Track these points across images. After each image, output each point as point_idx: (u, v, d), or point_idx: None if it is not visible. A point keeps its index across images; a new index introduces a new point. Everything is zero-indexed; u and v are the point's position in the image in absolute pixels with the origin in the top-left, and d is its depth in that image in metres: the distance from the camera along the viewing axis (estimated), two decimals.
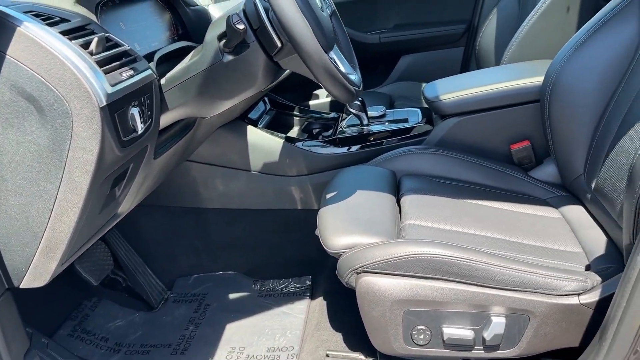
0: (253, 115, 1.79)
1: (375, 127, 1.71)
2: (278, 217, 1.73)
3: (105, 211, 1.14)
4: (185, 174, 1.70)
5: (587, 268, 1.13)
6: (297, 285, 1.72)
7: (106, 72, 0.95)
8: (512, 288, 1.04)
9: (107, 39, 1.03)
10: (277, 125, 1.85)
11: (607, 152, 1.23)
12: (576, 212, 1.33)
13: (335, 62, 1.16)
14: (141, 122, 1.03)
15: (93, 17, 1.12)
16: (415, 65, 2.48)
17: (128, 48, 1.07)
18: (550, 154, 1.45)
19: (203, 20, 1.54)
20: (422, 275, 1.06)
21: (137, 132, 1.03)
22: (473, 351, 1.08)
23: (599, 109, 1.31)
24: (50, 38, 0.91)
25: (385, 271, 1.08)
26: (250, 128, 1.69)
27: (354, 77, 1.25)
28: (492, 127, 1.54)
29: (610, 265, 1.11)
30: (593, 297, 1.01)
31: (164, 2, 1.49)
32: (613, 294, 0.98)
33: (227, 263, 1.80)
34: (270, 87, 1.49)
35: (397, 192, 1.39)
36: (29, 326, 1.19)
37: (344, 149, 1.67)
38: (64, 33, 0.95)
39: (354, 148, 1.67)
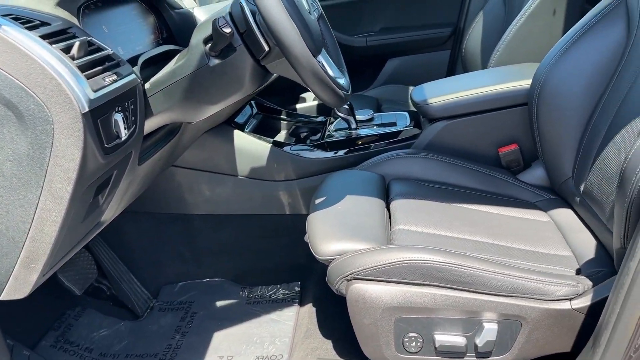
0: (240, 119, 1.77)
1: (364, 131, 1.70)
2: (266, 222, 1.71)
3: (88, 219, 1.10)
4: (171, 180, 1.67)
5: (578, 272, 1.13)
6: (286, 292, 1.70)
7: (88, 77, 0.93)
8: (504, 294, 1.03)
9: (89, 43, 1.00)
10: (264, 129, 1.83)
11: (595, 155, 1.24)
12: (565, 216, 1.33)
13: (323, 66, 1.14)
14: (125, 128, 1.00)
15: (75, 20, 1.09)
16: (402, 68, 2.48)
17: (111, 52, 1.04)
18: (539, 157, 1.45)
19: (188, 23, 1.51)
20: (414, 281, 1.05)
21: (121, 138, 1.00)
22: (465, 358, 1.07)
23: (586, 112, 1.31)
24: (29, 42, 0.88)
25: (376, 278, 1.06)
26: (237, 132, 1.67)
27: (343, 81, 1.24)
28: (481, 131, 1.54)
29: (600, 269, 1.11)
30: (585, 301, 1.01)
31: (148, 4, 1.46)
32: (605, 298, 0.98)
33: (214, 270, 1.77)
34: (257, 90, 1.47)
35: (386, 197, 1.38)
36: (10, 338, 1.15)
37: (332, 153, 1.66)
38: (44, 37, 0.92)
39: (342, 152, 1.65)
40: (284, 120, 1.93)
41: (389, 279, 1.06)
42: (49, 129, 0.89)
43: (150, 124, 1.20)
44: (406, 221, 1.23)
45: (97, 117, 0.92)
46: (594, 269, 1.11)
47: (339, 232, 1.18)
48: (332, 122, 1.80)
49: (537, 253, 1.18)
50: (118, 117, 0.98)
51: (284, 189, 1.66)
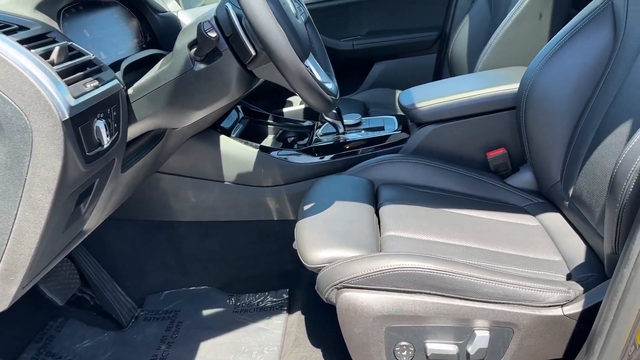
0: (226, 124, 1.74)
1: (352, 136, 1.69)
2: (253, 228, 1.68)
3: (69, 229, 1.07)
4: (155, 186, 1.64)
5: (568, 277, 1.12)
6: (274, 299, 1.68)
7: (69, 84, 0.90)
8: (496, 301, 1.02)
9: (70, 48, 0.97)
10: (251, 134, 1.80)
11: (583, 159, 1.23)
12: (554, 220, 1.33)
13: (311, 70, 1.12)
14: (107, 136, 0.97)
15: (55, 24, 1.06)
16: (389, 72, 2.48)
17: (92, 57, 1.01)
18: (527, 161, 1.44)
19: (172, 27, 1.49)
20: (404, 289, 1.03)
21: (103, 145, 0.97)
22: None
23: (574, 115, 1.31)
24: (7, 47, 0.85)
25: (366, 286, 1.05)
26: (223, 137, 1.65)
27: (331, 85, 1.22)
28: (468, 135, 1.53)
29: (591, 274, 1.10)
30: (576, 308, 1.00)
31: (131, 8, 1.43)
32: (596, 304, 0.98)
33: (200, 278, 1.74)
34: (243, 95, 1.45)
35: (375, 202, 1.36)
36: None
37: (320, 158, 1.64)
38: (22, 42, 0.89)
39: (330, 157, 1.64)
40: (270, 124, 1.91)
41: (380, 287, 1.04)
42: (28, 137, 0.86)
43: (133, 131, 1.18)
44: (396, 227, 1.22)
45: (78, 124, 0.89)
46: (585, 274, 1.11)
47: (328, 239, 1.16)
48: (320, 127, 1.78)
49: (527, 258, 1.18)
50: (100, 124, 0.95)
51: (272, 195, 1.64)
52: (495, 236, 1.23)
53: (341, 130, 1.69)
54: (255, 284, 1.71)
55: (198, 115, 1.20)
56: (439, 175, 1.46)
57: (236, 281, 1.73)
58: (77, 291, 1.68)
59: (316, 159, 1.64)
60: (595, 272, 1.11)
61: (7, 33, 0.89)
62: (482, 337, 1.03)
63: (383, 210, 1.30)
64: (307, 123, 1.90)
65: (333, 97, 1.14)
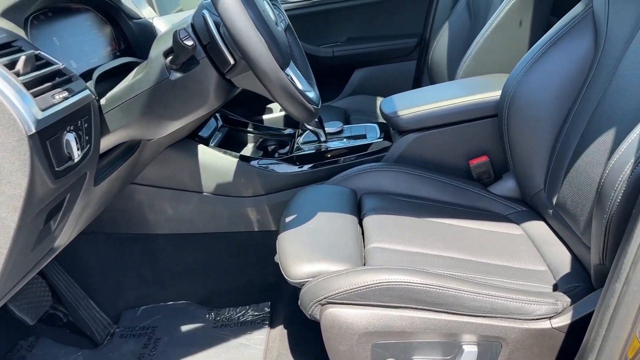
0: (204, 133, 1.70)
1: (333, 144, 1.66)
2: (233, 240, 1.64)
3: (39, 247, 1.02)
4: (130, 198, 1.58)
5: (555, 287, 1.11)
6: (255, 313, 1.64)
7: (35, 95, 0.85)
8: (484, 314, 1.00)
9: (37, 57, 0.92)
10: (230, 142, 1.76)
11: (567, 167, 1.23)
12: (538, 228, 1.32)
13: (292, 79, 1.09)
14: (78, 149, 0.93)
15: (21, 32, 1.00)
16: (369, 78, 2.47)
17: (62, 67, 0.96)
18: (510, 168, 1.44)
19: (147, 34, 1.44)
20: (391, 304, 1.01)
21: (74, 160, 0.92)
22: None
23: (557, 123, 1.31)
24: None
25: (351, 301, 1.02)
26: (201, 147, 1.60)
27: (312, 94, 1.19)
28: (451, 143, 1.52)
29: (577, 284, 1.09)
30: (564, 320, 0.99)
31: (104, 14, 1.38)
32: (584, 316, 0.97)
33: (179, 292, 1.69)
34: (222, 104, 1.41)
35: (358, 212, 1.34)
36: None
37: (301, 167, 1.61)
38: None
39: (312, 166, 1.61)
40: (250, 133, 1.87)
41: (365, 302, 1.01)
42: None
43: (106, 142, 1.13)
44: (380, 238, 1.20)
45: (45, 138, 0.84)
46: (571, 284, 1.09)
47: (311, 252, 1.13)
48: (301, 135, 1.76)
49: (513, 268, 1.16)
50: (70, 137, 0.90)
51: (252, 205, 1.60)
52: (480, 246, 1.22)
53: (323, 138, 1.67)
54: (236, 298, 1.67)
55: (174, 126, 1.16)
56: (422, 184, 1.45)
57: (216, 295, 1.69)
58: (49, 308, 1.61)
59: (297, 168, 1.61)
60: (581, 282, 1.10)
61: None
62: (470, 352, 1.01)
63: (367, 220, 1.28)
64: (288, 131, 1.87)
65: (315, 107, 1.12)
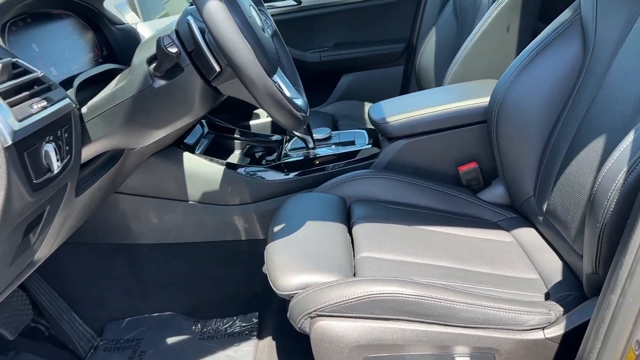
0: (190, 140, 1.67)
1: (322, 151, 1.64)
2: (220, 249, 1.61)
3: (17, 262, 0.98)
4: (114, 208, 1.55)
5: (547, 296, 1.10)
6: (243, 324, 1.61)
7: (12, 105, 0.81)
8: (476, 325, 0.98)
9: (15, 65, 0.89)
10: (217, 150, 1.74)
11: (557, 174, 1.22)
12: (528, 235, 1.31)
13: (279, 86, 1.07)
14: (57, 160, 0.89)
15: None
16: (357, 83, 2.46)
17: (40, 75, 0.93)
18: (499, 175, 1.43)
19: (131, 40, 1.41)
20: (382, 316, 0.99)
21: (53, 171, 0.89)
22: None
23: (546, 129, 1.31)
24: None
25: (341, 314, 0.99)
26: (186, 154, 1.57)
27: (300, 101, 1.17)
28: (440, 149, 1.51)
29: (569, 292, 1.08)
30: (558, 330, 0.97)
31: (86, 20, 1.35)
32: (577, 326, 0.96)
33: (164, 303, 1.66)
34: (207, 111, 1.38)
35: (347, 220, 1.32)
36: None
37: (289, 175, 1.59)
38: None
39: (300, 173, 1.59)
40: (237, 139, 1.85)
41: (356, 315, 0.99)
42: None
43: (88, 152, 1.10)
44: (370, 247, 1.18)
45: (23, 150, 0.81)
46: (563, 293, 1.08)
47: (300, 263, 1.11)
48: (289, 141, 1.73)
49: (504, 277, 1.15)
50: (49, 147, 0.87)
51: (239, 214, 1.58)
52: (471, 254, 1.21)
53: (311, 145, 1.65)
54: (223, 309, 1.64)
55: (158, 135, 1.13)
56: (411, 191, 1.44)
57: (202, 306, 1.65)
58: (30, 322, 1.57)
59: (285, 176, 1.59)
60: (573, 291, 1.09)
61: None
62: None
63: (356, 229, 1.26)
64: (276, 137, 1.85)
65: (303, 114, 1.09)
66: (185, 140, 1.64)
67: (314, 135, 1.67)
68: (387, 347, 0.99)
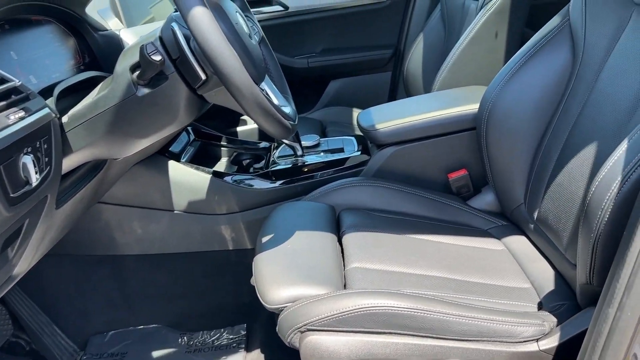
0: (175, 148, 1.64)
1: (310, 158, 1.62)
2: (207, 260, 1.58)
3: None
4: (97, 218, 1.51)
5: (539, 306, 1.09)
6: (231, 336, 1.57)
7: None
8: (470, 338, 0.96)
9: None
10: (203, 157, 1.71)
11: (548, 181, 1.21)
12: (519, 243, 1.30)
13: (267, 94, 1.05)
14: (36, 172, 0.86)
15: None
16: (345, 89, 2.45)
17: (18, 84, 0.89)
18: (489, 182, 1.42)
19: (114, 46, 1.38)
20: (374, 330, 0.96)
21: (31, 184, 0.85)
22: None
23: (536, 136, 1.30)
24: None
25: (332, 328, 0.97)
26: (172, 163, 1.54)
27: (288, 109, 1.15)
28: (430, 156, 1.50)
29: (562, 302, 1.07)
30: (552, 342, 0.96)
31: (67, 26, 1.31)
32: (571, 338, 0.95)
33: (149, 315, 1.62)
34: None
35: (337, 229, 1.29)
36: None
37: (277, 183, 1.56)
38: None
39: (288, 181, 1.56)
40: (224, 147, 1.82)
41: (347, 329, 0.97)
42: None
43: (69, 163, 1.06)
44: (360, 258, 1.15)
45: None
46: (556, 303, 1.07)
47: (290, 275, 1.08)
48: (277, 148, 1.71)
49: (497, 287, 1.13)
50: (27, 159, 0.84)
51: (227, 223, 1.55)
52: (463, 263, 1.19)
53: (299, 152, 1.63)
54: (210, 320, 1.61)
55: (142, 144, 1.10)
56: (401, 199, 1.42)
57: (189, 318, 1.62)
58: (10, 336, 1.52)
59: (273, 184, 1.57)
60: (566, 300, 1.07)
61: None
62: None
63: (346, 238, 1.24)
64: (263, 145, 1.82)
65: (291, 123, 1.07)
66: (170, 149, 1.61)
67: (302, 142, 1.64)
68: None
